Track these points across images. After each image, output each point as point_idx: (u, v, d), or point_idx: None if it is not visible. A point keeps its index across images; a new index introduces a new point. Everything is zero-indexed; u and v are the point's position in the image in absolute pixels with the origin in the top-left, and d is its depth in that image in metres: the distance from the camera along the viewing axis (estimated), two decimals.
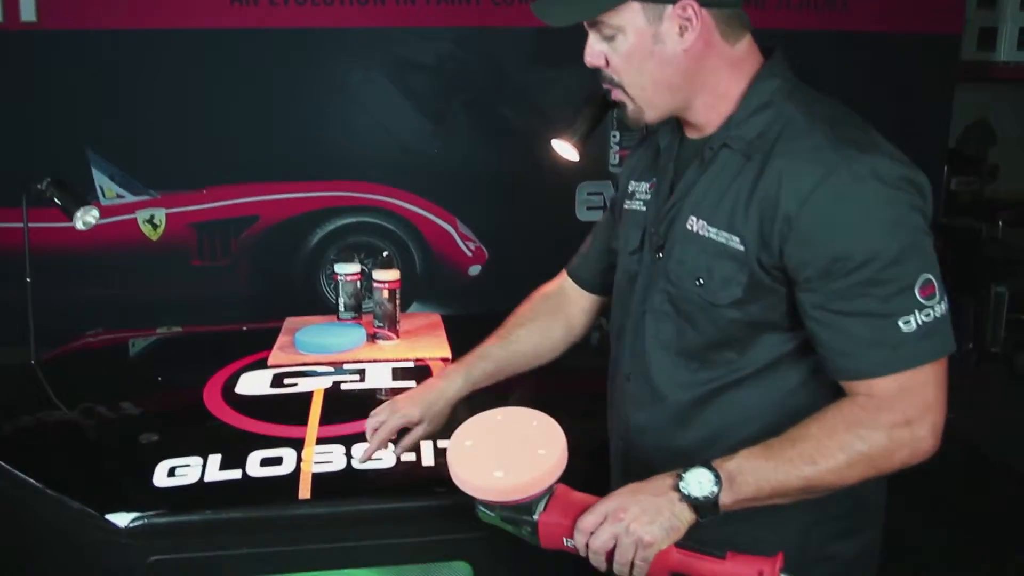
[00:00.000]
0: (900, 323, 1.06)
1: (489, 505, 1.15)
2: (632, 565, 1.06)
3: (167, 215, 3.63)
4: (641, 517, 1.05)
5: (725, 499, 1.05)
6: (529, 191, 3.68)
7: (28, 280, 2.11)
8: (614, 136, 3.76)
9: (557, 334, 1.51)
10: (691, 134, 1.25)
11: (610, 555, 1.07)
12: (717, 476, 1.05)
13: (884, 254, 1.05)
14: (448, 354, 1.96)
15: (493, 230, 3.78)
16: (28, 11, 3.38)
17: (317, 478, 1.45)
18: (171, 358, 2.25)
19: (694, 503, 1.05)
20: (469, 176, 3.70)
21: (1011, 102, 5.13)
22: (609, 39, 1.16)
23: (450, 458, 1.15)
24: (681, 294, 1.20)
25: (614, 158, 3.80)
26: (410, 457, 1.51)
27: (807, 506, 1.14)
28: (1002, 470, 3.54)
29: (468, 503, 1.42)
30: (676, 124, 1.27)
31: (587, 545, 1.07)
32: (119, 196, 3.59)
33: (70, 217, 2.02)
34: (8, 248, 3.35)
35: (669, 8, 1.12)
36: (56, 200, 2.02)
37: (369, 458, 1.45)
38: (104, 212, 3.56)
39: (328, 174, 3.68)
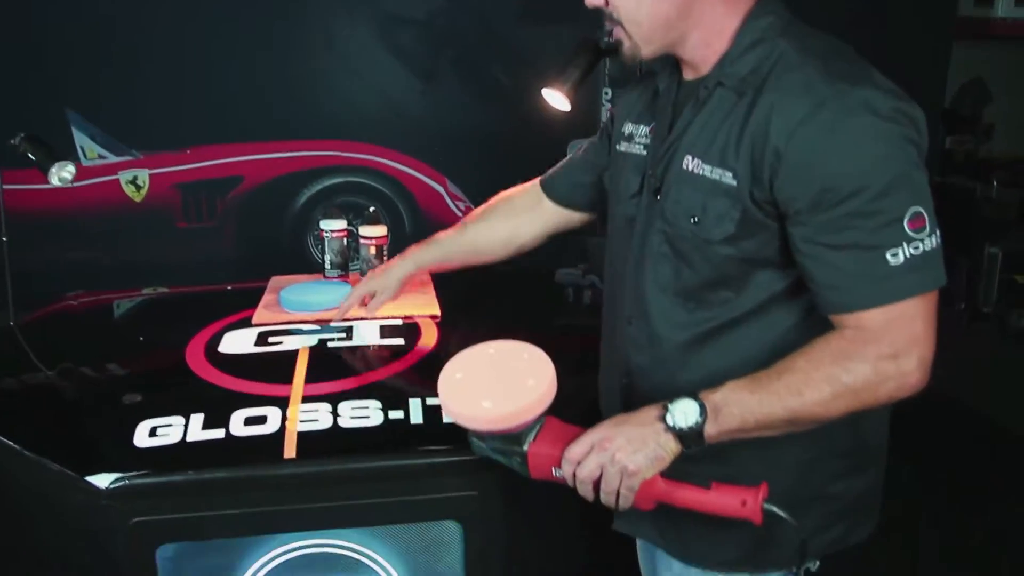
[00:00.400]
0: (888, 255, 1.06)
1: (480, 437, 1.18)
2: (618, 494, 1.10)
3: (151, 176, 3.57)
4: (626, 447, 1.08)
5: (710, 430, 1.08)
6: (519, 149, 3.59)
7: (4, 239, 2.05)
8: (606, 93, 3.68)
9: (502, 234, 1.68)
10: (688, 75, 1.25)
11: (597, 484, 1.10)
12: (702, 407, 1.08)
13: (873, 186, 1.05)
14: (437, 311, 1.92)
15: (483, 189, 3.69)
16: None
17: (302, 437, 1.42)
18: (153, 319, 2.21)
19: (679, 433, 1.08)
20: (459, 135, 3.63)
21: (1008, 61, 5.07)
22: None
23: (441, 390, 1.17)
24: (677, 233, 1.21)
25: (605, 115, 3.72)
26: (398, 415, 1.47)
27: (805, 444, 1.17)
28: (994, 428, 3.56)
29: (457, 462, 1.41)
30: (674, 66, 1.27)
31: (574, 475, 1.11)
32: (101, 157, 3.52)
33: (45, 173, 1.95)
34: None
35: None
36: (30, 156, 1.96)
37: (343, 318, 1.82)
38: (86, 173, 3.52)
39: (315, 133, 3.61)
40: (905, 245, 1.05)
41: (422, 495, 1.43)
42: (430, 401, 1.50)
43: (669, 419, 1.08)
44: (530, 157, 3.59)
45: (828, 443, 1.20)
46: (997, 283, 4.41)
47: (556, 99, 1.85)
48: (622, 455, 1.08)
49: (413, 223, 3.69)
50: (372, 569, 1.46)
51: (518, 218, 1.66)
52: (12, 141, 1.97)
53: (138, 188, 3.57)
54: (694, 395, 1.09)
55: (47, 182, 2.00)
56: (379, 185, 3.65)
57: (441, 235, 1.76)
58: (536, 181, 1.67)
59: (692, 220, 1.18)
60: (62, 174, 1.93)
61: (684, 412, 1.08)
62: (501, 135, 3.61)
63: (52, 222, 3.42)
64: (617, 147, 1.37)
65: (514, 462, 1.16)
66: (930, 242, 1.06)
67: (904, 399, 1.10)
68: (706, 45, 1.19)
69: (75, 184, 3.53)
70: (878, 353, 1.07)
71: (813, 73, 1.09)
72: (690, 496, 1.09)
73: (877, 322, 1.07)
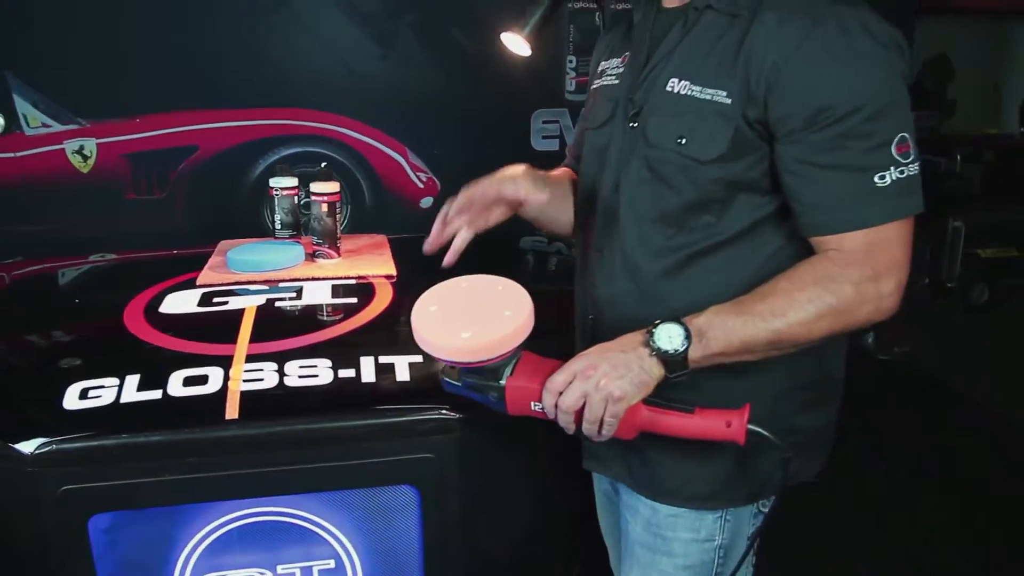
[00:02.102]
0: (876, 178, 1.07)
1: (454, 374, 1.15)
2: (602, 422, 1.08)
3: (98, 145, 3.41)
4: (611, 373, 1.07)
5: (694, 354, 1.07)
6: (483, 119, 3.53)
7: None
8: (570, 62, 3.62)
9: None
10: (669, 3, 1.23)
11: (579, 415, 1.08)
12: (687, 330, 1.07)
13: (867, 107, 1.06)
14: (393, 271, 1.83)
15: (446, 161, 3.62)
16: None
17: (246, 396, 1.33)
18: (93, 285, 2.10)
19: (663, 356, 1.07)
20: (419, 103, 3.53)
21: (969, 36, 5.11)
22: None
23: (415, 322, 1.12)
24: (661, 155, 1.18)
25: (571, 84, 3.66)
26: (350, 373, 1.39)
27: (778, 375, 1.18)
28: (959, 400, 3.58)
29: (412, 422, 1.33)
30: None
31: (556, 406, 1.09)
32: (44, 125, 3.36)
33: None
34: None
35: None
36: None
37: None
38: (29, 143, 3.37)
39: (271, 101, 3.48)
40: (892, 169, 1.06)
41: (376, 458, 1.35)
42: (383, 359, 1.42)
43: (654, 343, 1.07)
44: (494, 126, 3.56)
45: (797, 375, 1.21)
46: (960, 257, 4.43)
47: (515, 43, 1.77)
48: (607, 381, 1.06)
49: (373, 194, 3.59)
50: (322, 538, 1.38)
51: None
52: None
53: (85, 158, 3.42)
54: (677, 319, 1.08)
55: None
56: (338, 156, 3.53)
57: (559, 175, 1.45)
58: (560, 167, 1.51)
59: (679, 141, 1.16)
60: None
61: (669, 336, 1.07)
62: (464, 103, 3.52)
63: None
64: (592, 85, 1.36)
65: (490, 398, 1.13)
66: (913, 168, 1.08)
67: (880, 321, 1.11)
68: None
69: (18, 154, 3.41)
70: (860, 275, 1.08)
71: None
72: (674, 422, 1.08)
73: (860, 244, 1.08)
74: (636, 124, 1.21)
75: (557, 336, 1.37)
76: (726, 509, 1.24)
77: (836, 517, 2.66)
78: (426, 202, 3.64)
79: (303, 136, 3.51)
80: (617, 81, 1.28)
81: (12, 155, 3.33)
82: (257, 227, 3.52)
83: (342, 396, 1.36)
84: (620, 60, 1.29)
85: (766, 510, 1.26)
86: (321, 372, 1.39)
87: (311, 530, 1.37)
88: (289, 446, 1.32)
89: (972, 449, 3.20)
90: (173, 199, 3.50)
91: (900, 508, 2.79)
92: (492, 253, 2.23)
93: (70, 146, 3.41)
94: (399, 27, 3.51)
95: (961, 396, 3.62)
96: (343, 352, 1.45)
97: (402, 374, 1.39)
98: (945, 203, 4.51)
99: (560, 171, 1.49)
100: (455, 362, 1.12)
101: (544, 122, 3.68)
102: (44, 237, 3.37)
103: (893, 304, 1.09)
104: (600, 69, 1.34)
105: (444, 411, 1.34)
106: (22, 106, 3.33)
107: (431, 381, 1.30)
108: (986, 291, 4.47)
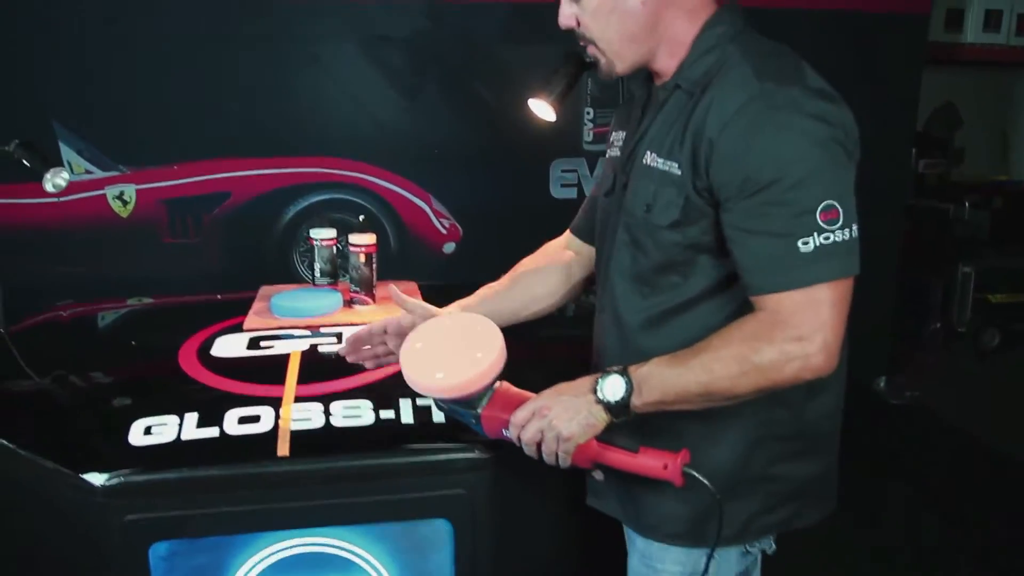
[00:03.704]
0: (799, 243, 1.14)
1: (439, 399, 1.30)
2: (556, 455, 1.21)
3: (137, 191, 3.57)
4: (562, 415, 1.20)
5: (635, 401, 1.18)
6: (503, 168, 3.66)
7: None
8: (588, 113, 3.76)
9: (556, 279, 1.61)
10: (657, 82, 1.35)
11: (539, 446, 1.22)
12: (628, 382, 1.18)
13: (786, 178, 1.13)
14: None
15: (468, 207, 3.75)
16: None
17: (296, 435, 1.45)
18: (144, 327, 2.23)
19: (607, 405, 1.19)
20: (443, 153, 3.67)
21: (976, 85, 5.21)
22: (577, 0, 1.27)
23: (402, 359, 1.28)
24: (634, 222, 1.31)
25: (588, 135, 3.80)
26: (389, 415, 1.51)
27: (747, 426, 1.28)
28: (969, 444, 3.63)
29: (447, 461, 1.45)
30: (647, 76, 1.37)
31: (519, 437, 1.23)
32: (88, 172, 3.52)
33: (40, 179, 1.98)
34: None
35: None
36: (24, 162, 1.98)
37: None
38: (72, 188, 3.51)
39: (301, 150, 3.63)
40: (816, 235, 1.13)
41: (412, 493, 1.46)
42: (420, 402, 1.53)
43: (599, 392, 1.19)
44: (514, 175, 3.70)
45: (769, 427, 1.29)
46: (971, 302, 4.50)
47: (542, 109, 1.90)
48: (558, 422, 1.19)
49: (398, 239, 3.72)
50: (362, 567, 1.48)
51: (568, 263, 1.62)
52: (6, 147, 1.99)
53: (124, 203, 3.58)
54: (623, 370, 1.20)
55: (33, 196, 2.02)
56: (364, 202, 3.67)
57: (489, 288, 1.59)
58: (567, 230, 1.67)
59: (645, 208, 1.28)
60: (56, 180, 1.95)
61: (612, 386, 1.19)
62: (485, 153, 3.66)
63: (37, 236, 3.41)
64: (606, 156, 1.49)
65: (470, 421, 1.28)
66: (842, 234, 1.14)
67: (812, 381, 1.18)
68: (670, 55, 1.29)
69: (61, 199, 3.57)
70: (784, 335, 1.15)
71: (748, 72, 1.19)
72: (620, 458, 1.21)
73: (787, 306, 1.15)
74: (624, 192, 1.34)
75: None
76: (698, 547, 1.33)
77: (845, 561, 2.71)
78: (449, 247, 3.76)
79: (331, 184, 3.65)
80: (619, 153, 1.40)
81: (57, 200, 3.48)
82: (286, 269, 3.66)
83: (383, 436, 1.48)
84: (625, 134, 1.41)
85: (754, 550, 1.36)
86: (364, 413, 1.50)
87: (353, 560, 1.48)
88: (334, 482, 1.43)
89: (983, 492, 3.25)
90: (207, 243, 3.63)
91: (915, 556, 2.82)
92: None
93: (111, 192, 3.56)
94: (424, 81, 3.67)
95: (973, 440, 3.66)
96: (383, 395, 1.57)
97: (438, 415, 1.51)
98: (955, 249, 4.59)
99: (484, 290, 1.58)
100: (435, 398, 1.29)
101: (563, 171, 3.82)
102: (85, 278, 3.51)
103: (821, 363, 1.15)
104: (611, 140, 1.47)
105: (476, 450, 1.45)
106: (67, 153, 3.49)
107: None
108: (997, 336, 4.53)
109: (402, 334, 1.45)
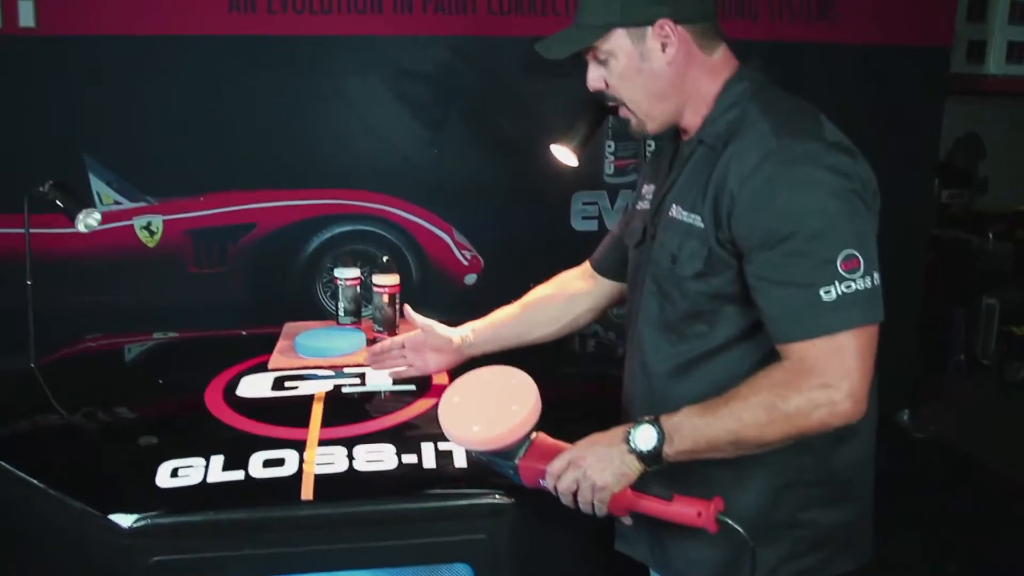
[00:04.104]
0: (821, 292, 1.17)
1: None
2: (592, 504, 1.25)
3: (164, 222, 3.63)
4: (596, 465, 1.23)
5: (667, 451, 1.21)
6: (525, 200, 3.69)
7: (29, 283, 2.12)
8: (609, 147, 3.79)
9: (558, 308, 1.74)
10: (684, 138, 1.40)
11: (575, 495, 1.26)
12: (660, 431, 1.21)
13: (807, 229, 1.17)
14: None
15: (489, 239, 3.79)
16: (27, 17, 3.38)
17: (319, 479, 1.46)
18: (171, 362, 2.26)
19: (640, 455, 1.21)
20: (465, 185, 3.70)
21: (1000, 116, 5.19)
22: (604, 63, 1.32)
23: (440, 413, 1.32)
24: (659, 272, 1.35)
25: (609, 168, 3.82)
26: (412, 459, 1.52)
27: (774, 472, 1.30)
28: (993, 477, 3.59)
29: (468, 506, 1.46)
30: (675, 132, 1.42)
31: (555, 487, 1.26)
32: (116, 203, 3.59)
33: (72, 219, 2.02)
34: (4, 253, 3.35)
35: (649, 29, 1.29)
36: (58, 203, 2.03)
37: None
38: (101, 218, 3.60)
39: (325, 182, 3.68)
40: (837, 284, 1.16)
41: (434, 538, 1.47)
42: (442, 446, 1.55)
43: (631, 442, 1.22)
44: (535, 208, 3.73)
45: (796, 473, 1.31)
46: (995, 334, 4.46)
47: (564, 155, 1.93)
48: (592, 472, 1.23)
49: (420, 271, 3.75)
50: None
51: (574, 294, 1.73)
52: (40, 188, 2.04)
53: (151, 234, 3.64)
54: (655, 419, 1.22)
55: (62, 226, 2.07)
56: (387, 234, 3.71)
57: (500, 312, 1.78)
58: (587, 261, 1.77)
59: (671, 259, 1.32)
60: (88, 221, 2.00)
61: (644, 436, 1.22)
62: (507, 186, 3.69)
63: (64, 266, 3.47)
64: (635, 206, 1.54)
65: (508, 471, 1.32)
66: (863, 282, 1.17)
67: (840, 428, 1.20)
68: (695, 112, 1.34)
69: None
70: (811, 383, 1.18)
71: (767, 128, 1.23)
72: (654, 506, 1.24)
73: (812, 354, 1.18)
74: (652, 244, 1.39)
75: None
76: None
77: None
78: (470, 279, 3.79)
79: (355, 215, 3.70)
80: (648, 207, 1.45)
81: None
82: (309, 299, 3.70)
83: (406, 480, 1.49)
84: (656, 188, 1.46)
85: None
86: (387, 457, 1.52)
87: None
88: (357, 525, 1.45)
89: (1010, 529, 3.20)
90: (232, 273, 3.68)
91: None
92: None
93: (138, 222, 3.62)
94: (447, 114, 3.71)
95: (998, 475, 3.62)
96: (406, 438, 1.58)
97: (460, 460, 1.52)
98: (979, 281, 4.56)
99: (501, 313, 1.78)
100: (473, 450, 1.34)
101: (584, 203, 3.84)
102: (111, 307, 3.56)
103: (847, 409, 1.18)
104: (642, 192, 1.51)
105: (497, 495, 1.46)
106: (96, 184, 3.56)
107: (484, 467, 1.43)
108: (1022, 369, 4.49)
109: (417, 348, 1.77)
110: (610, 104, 1.38)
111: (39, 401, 1.94)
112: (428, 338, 1.76)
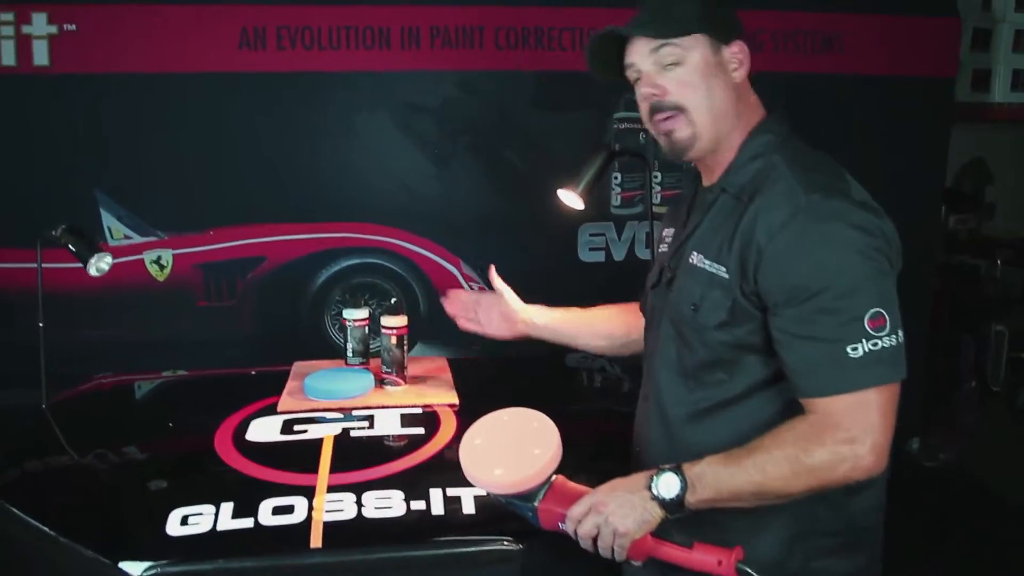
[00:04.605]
0: (848, 349, 1.18)
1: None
2: (612, 549, 1.23)
3: (174, 256, 3.66)
4: (617, 511, 1.22)
5: (689, 499, 1.21)
6: (532, 232, 3.71)
7: (40, 325, 2.14)
8: (615, 178, 3.81)
9: (618, 326, 1.75)
10: (705, 182, 1.41)
11: (595, 540, 1.24)
12: (683, 480, 1.21)
13: (835, 286, 1.19)
14: (455, 400, 1.98)
15: (497, 271, 3.80)
16: (41, 56, 3.44)
17: (328, 526, 1.47)
18: (182, 402, 2.27)
19: (662, 502, 1.21)
20: (473, 217, 3.73)
21: (1006, 142, 5.19)
22: (675, 65, 1.31)
23: (461, 455, 1.31)
24: (681, 318, 1.35)
25: (616, 199, 3.84)
26: (421, 505, 1.53)
27: (790, 520, 1.29)
28: (1006, 505, 3.55)
29: (476, 553, 1.47)
30: (696, 176, 1.44)
31: (576, 531, 1.25)
32: (127, 237, 3.62)
33: (84, 264, 2.05)
34: (15, 288, 3.39)
35: (725, 47, 1.32)
36: (71, 247, 2.06)
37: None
38: (112, 253, 3.64)
39: (334, 215, 3.71)
40: (864, 341, 1.18)
41: None
42: (451, 492, 1.55)
43: (654, 489, 1.21)
44: (542, 239, 3.75)
45: (812, 521, 1.30)
46: (1005, 361, 4.44)
47: (571, 199, 1.95)
48: (614, 519, 1.21)
49: (428, 303, 3.76)
50: None
51: (633, 322, 1.70)
52: (53, 232, 2.07)
53: (162, 268, 3.67)
54: (677, 467, 1.22)
55: (73, 261, 2.10)
56: (395, 266, 3.74)
57: (573, 310, 1.82)
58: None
59: (692, 307, 1.32)
60: (100, 265, 2.02)
61: (667, 484, 1.21)
62: (514, 218, 3.71)
63: (75, 301, 3.50)
64: (659, 250, 1.56)
65: (527, 514, 1.30)
66: (889, 340, 1.19)
67: (862, 480, 1.22)
68: (728, 150, 1.35)
69: None
70: (836, 438, 1.19)
71: (795, 183, 1.25)
72: (674, 553, 1.23)
73: (837, 408, 1.20)
74: (670, 288, 1.39)
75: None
76: None
77: None
78: None
79: (363, 248, 3.73)
80: (667, 249, 1.47)
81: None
82: (318, 331, 3.72)
83: (414, 527, 1.49)
84: (674, 231, 1.48)
85: None
86: (395, 504, 1.52)
87: None
88: (366, 573, 1.45)
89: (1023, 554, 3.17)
90: (241, 306, 3.71)
91: None
92: (543, 371, 2.39)
93: (149, 256, 3.66)
94: (454, 148, 3.75)
95: (1010, 502, 3.59)
96: (414, 484, 1.58)
97: (468, 506, 1.52)
98: (988, 307, 4.54)
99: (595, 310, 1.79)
100: (494, 493, 1.32)
101: (591, 235, 3.86)
102: (121, 341, 3.59)
103: (871, 464, 1.19)
104: (662, 235, 1.54)
105: (505, 542, 1.46)
106: (107, 220, 3.60)
107: (493, 512, 1.43)
108: None
109: (489, 308, 1.87)
110: (664, 117, 1.34)
111: (50, 443, 1.95)
112: (501, 303, 1.83)
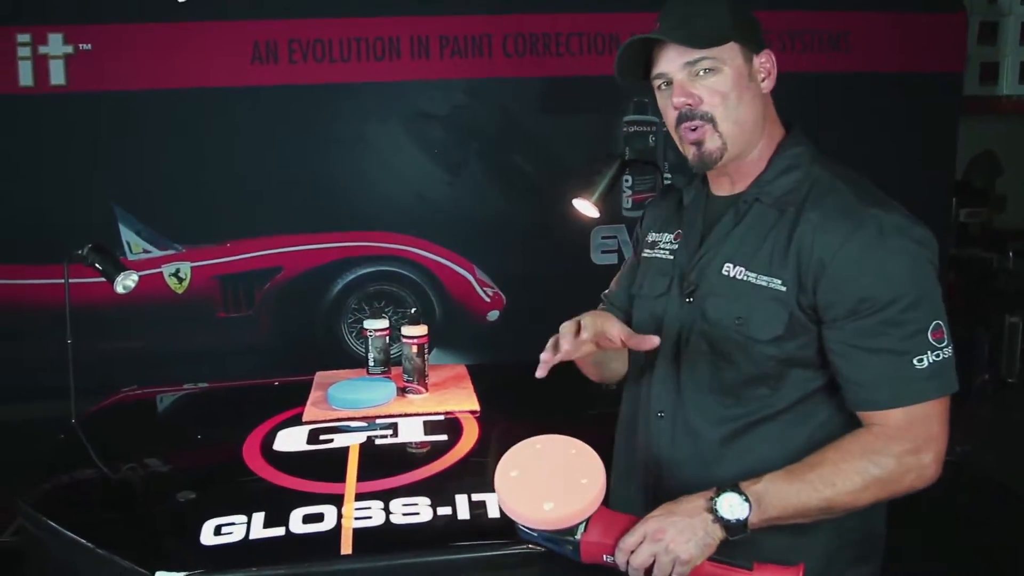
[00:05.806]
0: (914, 361, 1.20)
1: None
2: None
3: (192, 268, 3.72)
4: (678, 538, 1.17)
5: (753, 519, 1.18)
6: (545, 236, 3.75)
7: (69, 342, 2.18)
8: (627, 181, 3.84)
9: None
10: (718, 191, 1.38)
11: (648, 571, 1.18)
12: (747, 499, 1.18)
13: (904, 299, 1.20)
14: (476, 406, 2.02)
15: (510, 276, 3.85)
16: (58, 75, 3.50)
17: (358, 533, 1.51)
18: (209, 414, 2.32)
19: (725, 524, 1.18)
20: (486, 223, 3.77)
21: (1015, 134, 5.18)
22: (710, 72, 1.28)
23: (499, 489, 1.22)
24: (720, 333, 1.31)
25: (627, 202, 3.87)
26: (446, 511, 1.56)
27: (830, 532, 1.28)
28: (1020, 498, 3.55)
29: (503, 556, 1.50)
30: (701, 182, 1.41)
31: (628, 562, 1.18)
32: (145, 251, 3.68)
33: (111, 282, 2.10)
34: (29, 303, 3.45)
35: (755, 56, 1.31)
36: (96, 266, 2.10)
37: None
38: (131, 267, 3.69)
39: (349, 225, 3.76)
40: (929, 353, 1.20)
41: None
42: (475, 497, 1.59)
43: (717, 512, 1.18)
44: (555, 243, 3.78)
45: (845, 533, 1.31)
46: (1020, 353, 4.44)
47: (586, 208, 1.98)
48: (675, 545, 1.17)
49: (443, 309, 3.81)
50: None
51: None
52: (80, 252, 2.12)
53: (180, 280, 3.72)
54: (736, 487, 1.19)
55: (93, 275, 2.15)
56: (410, 273, 3.78)
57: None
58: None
59: (736, 321, 1.29)
60: (126, 282, 2.07)
61: (731, 505, 1.18)
62: (526, 222, 3.76)
63: (96, 314, 3.54)
64: (643, 254, 1.50)
65: (566, 549, 1.22)
66: (947, 352, 1.21)
67: (923, 489, 1.22)
68: (753, 163, 1.34)
69: None
70: (902, 449, 1.20)
71: (850, 197, 1.25)
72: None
73: (900, 420, 1.21)
74: (692, 300, 1.34)
75: None
76: None
77: None
78: (492, 315, 3.84)
79: (378, 256, 3.77)
80: (671, 257, 1.41)
81: None
82: (336, 342, 3.76)
83: (441, 532, 1.53)
84: (673, 237, 1.43)
85: None
86: (422, 510, 1.56)
87: None
88: None
89: None
90: (259, 316, 3.76)
91: None
92: (559, 376, 2.42)
93: (167, 269, 3.71)
94: (466, 155, 3.79)
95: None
96: (440, 490, 1.62)
97: (492, 511, 1.56)
98: (1001, 299, 4.54)
99: None
100: (541, 530, 1.20)
101: (603, 238, 3.90)
102: (143, 353, 3.64)
103: (934, 473, 1.21)
104: (650, 240, 1.47)
105: (529, 546, 1.50)
106: (126, 234, 3.65)
107: None
108: None
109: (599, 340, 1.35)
110: (693, 127, 1.30)
111: (82, 456, 2.00)
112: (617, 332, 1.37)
